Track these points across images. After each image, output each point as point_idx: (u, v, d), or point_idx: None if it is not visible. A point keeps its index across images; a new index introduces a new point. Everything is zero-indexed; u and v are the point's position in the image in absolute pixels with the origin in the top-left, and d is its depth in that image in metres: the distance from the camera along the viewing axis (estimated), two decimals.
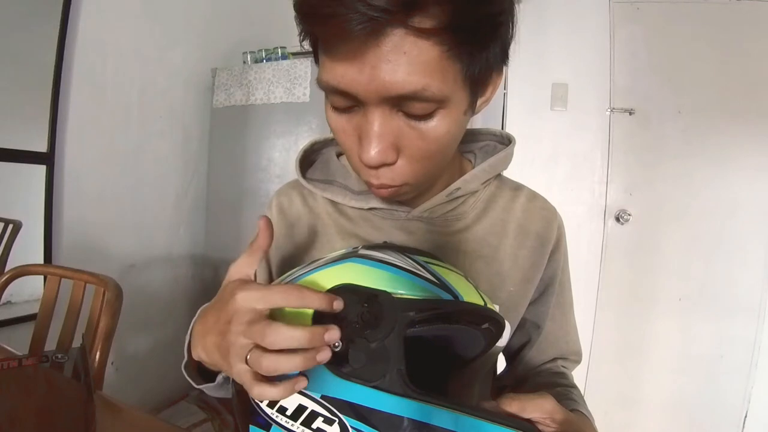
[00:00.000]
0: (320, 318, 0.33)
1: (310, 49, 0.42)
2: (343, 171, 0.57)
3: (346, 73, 0.35)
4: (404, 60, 0.33)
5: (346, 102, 0.38)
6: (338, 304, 0.32)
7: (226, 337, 0.33)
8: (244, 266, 0.39)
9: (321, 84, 0.39)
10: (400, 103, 0.36)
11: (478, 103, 0.43)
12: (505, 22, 0.38)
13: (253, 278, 0.38)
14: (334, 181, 0.57)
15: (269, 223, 0.39)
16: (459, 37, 0.34)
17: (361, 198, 0.54)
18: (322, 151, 0.61)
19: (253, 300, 0.33)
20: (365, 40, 0.32)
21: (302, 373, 0.32)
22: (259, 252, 0.39)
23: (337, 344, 0.32)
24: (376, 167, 0.40)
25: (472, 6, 0.33)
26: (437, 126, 0.38)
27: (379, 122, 0.37)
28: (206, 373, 0.43)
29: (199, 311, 0.43)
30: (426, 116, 0.37)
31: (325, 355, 0.31)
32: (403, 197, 0.47)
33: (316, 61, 0.41)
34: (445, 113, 0.38)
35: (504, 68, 0.44)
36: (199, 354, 0.38)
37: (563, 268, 0.59)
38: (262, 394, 0.32)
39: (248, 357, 0.32)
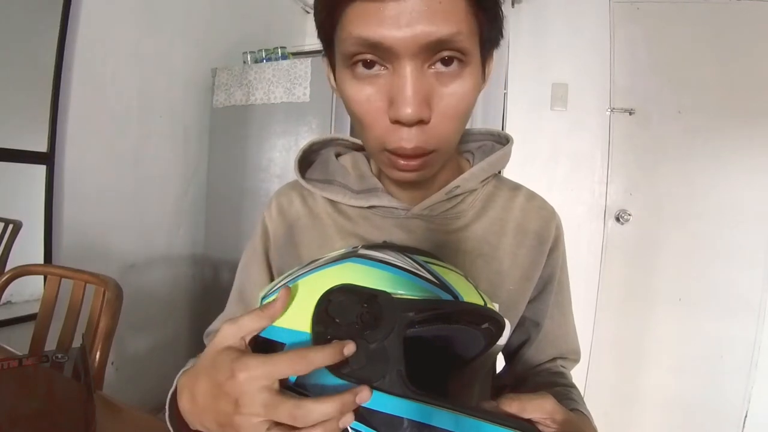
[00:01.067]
0: (320, 319, 0.33)
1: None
2: (342, 171, 0.57)
3: (382, 23, 0.36)
4: (439, 8, 0.36)
5: (376, 57, 0.38)
6: (349, 349, 0.31)
7: (234, 418, 0.31)
8: (244, 331, 0.34)
9: (349, 43, 0.38)
10: (434, 52, 0.38)
11: (485, 75, 0.46)
12: (500, 6, 0.42)
13: (246, 344, 0.35)
14: (334, 180, 0.57)
15: (289, 294, 0.36)
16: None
17: (361, 197, 0.54)
18: (321, 152, 0.61)
19: (259, 380, 0.30)
20: None
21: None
22: (268, 321, 0.35)
23: None
24: (412, 125, 0.40)
25: None
26: (465, 82, 0.40)
27: (414, 76, 0.38)
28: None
29: (178, 378, 0.40)
30: (454, 72, 0.39)
31: (348, 419, 0.30)
32: (428, 173, 0.46)
33: (327, 38, 0.42)
34: (470, 71, 0.40)
35: (494, 55, 0.47)
36: (195, 426, 0.36)
37: (562, 268, 0.59)
38: None
39: None
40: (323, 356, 0.31)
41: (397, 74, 0.38)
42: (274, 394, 0.30)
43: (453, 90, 0.40)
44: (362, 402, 0.30)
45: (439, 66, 0.39)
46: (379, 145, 0.43)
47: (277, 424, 0.30)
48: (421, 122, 0.39)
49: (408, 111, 0.38)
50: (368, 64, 0.39)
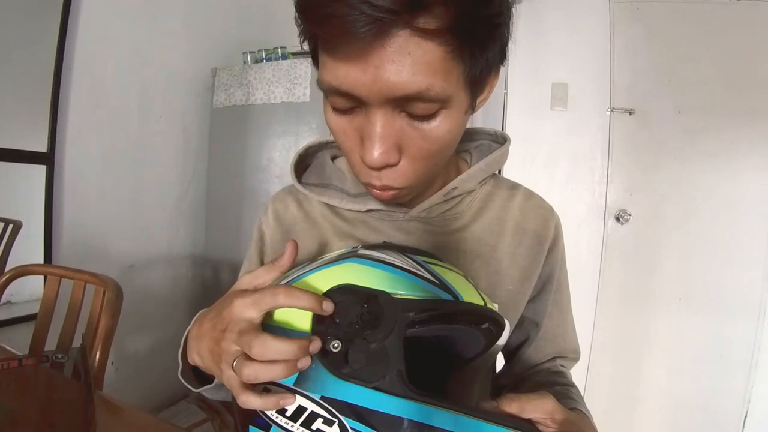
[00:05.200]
0: (321, 319, 0.33)
1: (310, 50, 0.42)
2: (338, 174, 0.57)
3: (349, 74, 0.35)
4: (409, 60, 0.33)
5: (348, 103, 0.38)
6: (328, 306, 0.33)
7: (220, 343, 0.34)
8: (256, 279, 0.39)
9: (322, 85, 0.38)
10: (403, 103, 0.36)
11: (477, 102, 0.43)
12: (503, 23, 0.38)
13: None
14: (330, 184, 0.57)
15: (296, 248, 0.40)
16: (462, 38, 0.34)
17: (359, 200, 0.54)
18: (317, 155, 0.61)
19: (246, 306, 0.34)
20: (370, 41, 0.32)
21: (293, 389, 0.33)
22: (278, 272, 0.39)
23: (336, 345, 0.32)
24: (380, 169, 0.40)
25: (473, 7, 0.33)
26: (439, 126, 0.38)
27: (381, 123, 0.37)
28: (203, 377, 0.44)
29: (195, 317, 0.43)
30: (428, 117, 0.37)
31: (305, 362, 0.32)
32: (403, 199, 0.47)
33: (315, 62, 0.41)
34: (447, 114, 0.38)
35: (501, 68, 0.44)
36: (194, 358, 0.39)
37: (561, 267, 0.59)
38: (246, 402, 0.33)
39: (234, 364, 0.33)
40: (305, 299, 0.33)
41: (367, 118, 0.38)
42: (251, 326, 0.33)
43: (425, 134, 0.38)
44: (314, 351, 0.32)
45: (411, 110, 0.37)
46: (356, 172, 0.44)
47: (247, 357, 0.32)
48: (388, 165, 0.40)
49: (374, 156, 0.38)
50: (344, 101, 0.39)
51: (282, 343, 0.31)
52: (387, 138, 0.38)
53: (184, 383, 0.45)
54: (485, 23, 0.35)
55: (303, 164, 0.60)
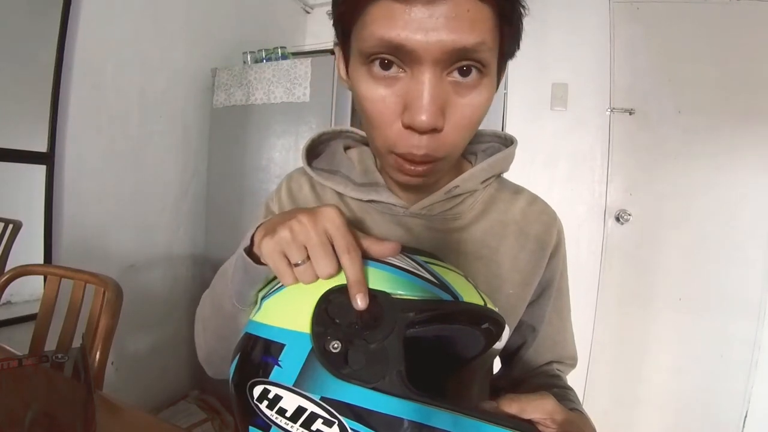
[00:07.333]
0: (320, 320, 0.33)
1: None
2: (347, 163, 0.57)
3: (407, 25, 0.35)
4: (467, 16, 0.36)
5: (395, 60, 0.38)
6: (362, 301, 0.33)
7: (300, 215, 0.35)
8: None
9: (370, 42, 0.37)
10: (454, 61, 0.37)
11: (498, 85, 0.45)
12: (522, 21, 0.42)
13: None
14: (338, 171, 0.57)
15: (397, 249, 0.37)
16: (506, 10, 0.38)
17: (362, 190, 0.53)
18: (330, 143, 0.61)
19: (336, 221, 0.35)
20: None
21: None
22: (370, 249, 0.36)
23: (336, 345, 0.32)
24: (426, 132, 0.39)
25: None
26: (481, 94, 0.40)
27: (431, 83, 0.37)
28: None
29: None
30: (472, 84, 0.39)
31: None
32: (433, 178, 0.46)
33: (345, 30, 0.41)
34: (488, 83, 0.40)
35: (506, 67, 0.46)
36: (259, 231, 0.39)
37: (562, 273, 0.59)
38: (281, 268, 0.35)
39: (316, 253, 0.34)
40: (357, 276, 0.33)
41: (415, 79, 0.38)
42: (348, 224, 0.35)
43: (469, 101, 0.39)
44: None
45: (456, 75, 0.38)
46: (387, 147, 0.42)
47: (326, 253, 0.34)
48: (434, 130, 0.39)
49: (423, 118, 0.37)
50: (386, 65, 0.38)
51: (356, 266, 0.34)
52: (436, 98, 0.38)
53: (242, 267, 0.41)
54: (518, 12, 0.40)
55: (315, 152, 0.60)
